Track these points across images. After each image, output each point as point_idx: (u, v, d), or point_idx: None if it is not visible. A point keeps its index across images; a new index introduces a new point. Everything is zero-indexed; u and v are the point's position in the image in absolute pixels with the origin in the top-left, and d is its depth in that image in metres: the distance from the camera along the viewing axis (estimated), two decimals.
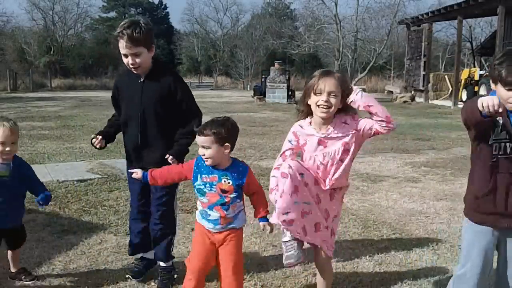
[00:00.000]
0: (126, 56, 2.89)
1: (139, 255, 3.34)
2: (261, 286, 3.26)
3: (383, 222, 4.65)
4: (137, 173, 2.76)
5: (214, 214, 2.67)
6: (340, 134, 2.62)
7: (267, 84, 20.87)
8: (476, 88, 18.42)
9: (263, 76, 22.09)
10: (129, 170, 2.91)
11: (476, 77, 18.77)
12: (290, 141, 2.74)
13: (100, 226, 4.31)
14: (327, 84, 2.54)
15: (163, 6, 59.75)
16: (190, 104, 3.06)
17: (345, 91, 2.58)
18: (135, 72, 2.96)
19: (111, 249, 3.78)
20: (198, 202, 2.75)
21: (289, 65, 36.99)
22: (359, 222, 4.64)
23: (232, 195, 2.65)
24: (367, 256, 3.77)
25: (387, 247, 3.95)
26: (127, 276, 3.28)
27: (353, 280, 3.36)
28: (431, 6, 37.71)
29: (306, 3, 27.85)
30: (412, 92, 22.74)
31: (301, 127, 2.73)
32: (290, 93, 20.66)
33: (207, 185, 2.64)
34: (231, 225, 2.70)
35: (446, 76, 22.90)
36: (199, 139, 2.60)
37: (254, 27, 46.47)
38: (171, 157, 2.91)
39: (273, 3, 55.26)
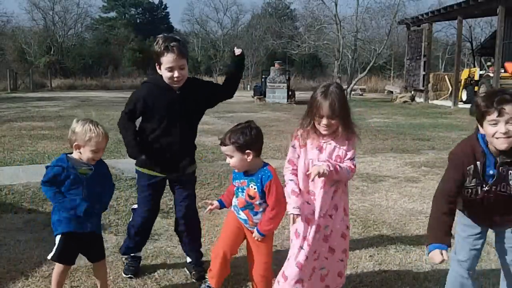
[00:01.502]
0: (171, 69, 2.99)
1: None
2: None
3: (383, 222, 4.65)
4: (213, 204, 2.99)
5: (243, 216, 2.87)
6: (336, 147, 2.78)
7: (267, 84, 20.86)
8: (476, 88, 18.41)
9: (263, 76, 22.09)
10: (207, 208, 3.06)
11: (476, 77, 18.77)
12: (293, 146, 2.89)
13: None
14: (324, 109, 2.71)
15: (163, 6, 59.78)
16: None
17: (342, 111, 2.75)
18: (176, 85, 3.07)
19: (111, 249, 3.79)
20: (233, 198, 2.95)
21: (289, 65, 37.00)
22: (359, 222, 4.64)
23: (258, 202, 2.81)
24: (367, 256, 3.77)
25: (387, 247, 3.95)
26: (128, 276, 3.30)
27: (353, 280, 3.36)
28: (431, 6, 37.80)
29: (306, 3, 27.87)
30: (412, 92, 22.75)
31: (304, 133, 2.86)
32: (290, 93, 20.65)
33: (239, 189, 2.85)
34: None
35: (446, 76, 22.90)
36: (222, 149, 2.78)
37: (254, 27, 46.49)
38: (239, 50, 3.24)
39: (273, 3, 55.26)
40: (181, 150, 3.22)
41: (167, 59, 2.96)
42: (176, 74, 2.99)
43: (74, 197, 2.70)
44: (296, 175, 2.83)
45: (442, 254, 2.43)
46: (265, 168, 2.82)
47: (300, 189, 2.79)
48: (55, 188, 2.68)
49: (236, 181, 2.87)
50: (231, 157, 2.75)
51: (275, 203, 2.77)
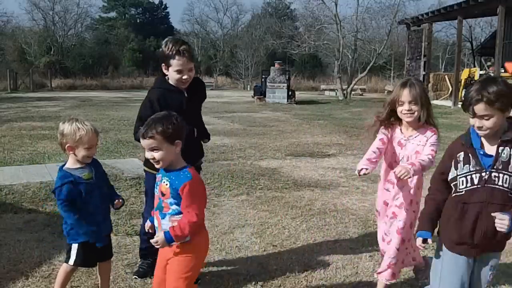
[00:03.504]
0: (180, 72, 3.08)
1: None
2: (261, 286, 3.26)
3: None
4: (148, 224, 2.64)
5: (155, 220, 2.51)
6: (415, 142, 2.96)
7: (267, 84, 20.86)
8: None
9: (263, 76, 22.08)
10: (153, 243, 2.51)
11: (476, 77, 18.74)
12: (380, 138, 3.04)
13: None
14: (405, 95, 2.90)
15: (163, 6, 59.73)
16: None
17: (422, 99, 2.91)
18: (183, 86, 3.17)
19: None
20: None
21: (289, 65, 36.99)
22: (359, 222, 4.64)
23: (168, 201, 2.41)
24: (367, 256, 3.78)
25: None
26: (133, 276, 3.29)
27: (353, 280, 3.36)
28: (431, 6, 37.74)
29: (306, 3, 27.88)
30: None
31: (389, 129, 3.06)
32: (290, 93, 20.65)
33: (156, 185, 2.51)
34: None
35: (446, 76, 22.90)
36: (146, 143, 2.40)
37: (254, 27, 46.47)
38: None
39: (273, 3, 55.25)
40: (193, 149, 3.24)
41: (178, 62, 3.05)
42: (185, 76, 3.10)
43: (91, 208, 2.71)
44: (380, 152, 2.99)
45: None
46: (185, 169, 2.44)
47: (375, 160, 2.96)
48: (75, 214, 2.66)
49: (158, 175, 2.53)
50: (158, 150, 2.37)
51: (190, 207, 2.37)
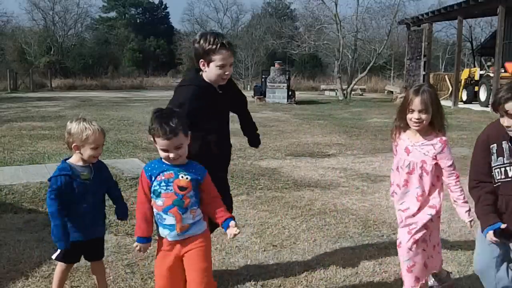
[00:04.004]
0: (223, 66, 2.91)
1: None
2: (261, 286, 3.26)
3: (383, 222, 4.65)
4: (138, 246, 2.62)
5: (169, 219, 2.47)
6: (422, 150, 2.93)
7: (267, 84, 20.85)
8: (476, 88, 18.41)
9: (263, 76, 22.07)
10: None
11: (476, 77, 18.75)
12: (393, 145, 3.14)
13: None
14: (416, 103, 2.85)
15: (163, 6, 59.74)
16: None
17: (434, 107, 2.88)
18: (222, 83, 3.03)
19: (112, 249, 3.79)
20: (155, 212, 2.56)
21: (289, 65, 36.97)
22: (359, 222, 4.64)
23: (189, 194, 2.45)
24: (367, 256, 3.77)
25: (387, 247, 3.95)
26: None
27: (353, 280, 3.36)
28: (431, 6, 37.76)
29: (306, 3, 27.85)
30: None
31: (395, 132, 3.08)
32: (290, 93, 20.64)
33: (163, 183, 2.46)
34: (189, 232, 2.50)
35: (446, 76, 22.89)
36: (174, 142, 2.39)
37: (254, 27, 46.45)
38: None
39: (273, 3, 55.25)
40: (226, 149, 3.22)
41: (221, 56, 2.87)
42: (227, 71, 2.95)
43: (80, 209, 2.70)
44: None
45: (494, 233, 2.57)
46: (192, 161, 2.52)
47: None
48: (58, 205, 2.62)
49: (159, 176, 2.47)
50: (181, 147, 2.41)
51: (217, 192, 2.57)
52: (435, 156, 2.91)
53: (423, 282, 3.02)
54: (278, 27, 33.80)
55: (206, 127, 2.98)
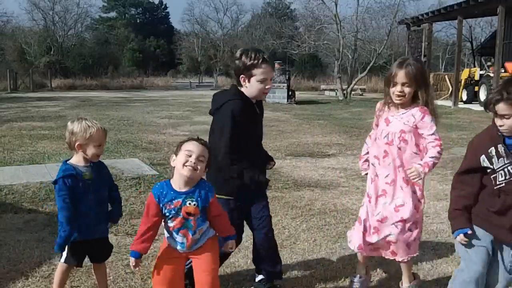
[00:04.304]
0: (264, 81, 2.96)
1: None
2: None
3: None
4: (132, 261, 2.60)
5: (179, 238, 2.57)
6: (402, 120, 2.88)
7: None
8: (476, 88, 18.41)
9: None
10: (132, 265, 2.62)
11: (476, 77, 18.76)
12: (375, 115, 3.09)
13: None
14: (399, 76, 2.82)
15: (163, 6, 59.79)
16: None
17: (419, 80, 2.84)
18: (263, 97, 3.12)
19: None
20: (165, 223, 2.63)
21: (289, 65, 36.97)
22: None
23: (197, 218, 2.55)
24: (367, 256, 3.76)
25: None
26: None
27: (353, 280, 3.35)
28: (431, 6, 37.76)
29: (306, 3, 27.88)
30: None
31: (381, 104, 3.04)
32: (290, 93, 20.64)
33: (172, 212, 2.53)
34: (198, 244, 2.60)
35: (446, 76, 22.89)
36: (201, 149, 2.49)
37: (254, 27, 46.52)
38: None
39: (273, 3, 55.28)
40: (262, 165, 3.20)
41: (263, 71, 2.93)
42: (267, 86, 2.99)
43: (83, 208, 2.70)
44: (370, 139, 3.14)
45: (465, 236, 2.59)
46: (203, 181, 2.60)
47: (366, 152, 3.15)
48: (72, 209, 2.64)
49: (168, 204, 2.52)
50: (202, 161, 2.50)
51: (221, 210, 2.70)
52: (415, 125, 2.85)
53: (365, 253, 3.05)
54: (278, 27, 33.82)
55: (248, 139, 3.02)
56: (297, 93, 22.59)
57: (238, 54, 3.02)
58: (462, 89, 19.47)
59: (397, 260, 3.02)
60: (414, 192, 2.96)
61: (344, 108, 18.25)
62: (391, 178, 2.93)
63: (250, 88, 2.99)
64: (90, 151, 2.73)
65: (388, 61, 33.42)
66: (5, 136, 9.89)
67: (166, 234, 2.64)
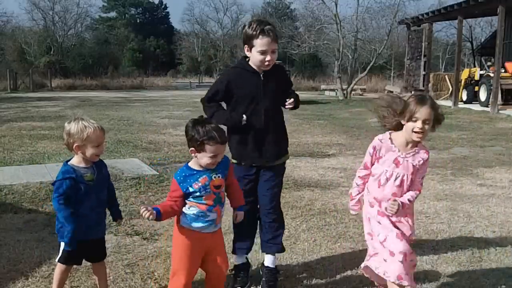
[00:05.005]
0: (264, 52, 2.99)
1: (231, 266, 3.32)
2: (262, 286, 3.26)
3: None
4: (149, 210, 2.50)
5: (212, 216, 2.66)
6: (413, 161, 2.82)
7: None
8: (476, 88, 18.39)
9: None
10: (142, 211, 2.51)
11: (476, 77, 18.74)
12: (370, 153, 2.95)
13: None
14: (424, 113, 2.72)
15: (163, 6, 59.80)
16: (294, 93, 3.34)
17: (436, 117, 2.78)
18: (265, 68, 3.07)
19: (111, 249, 3.78)
20: (189, 207, 2.64)
21: (289, 65, 37.00)
22: (359, 222, 4.62)
23: (223, 189, 2.71)
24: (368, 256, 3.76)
25: None
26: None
27: (353, 280, 3.36)
28: (431, 6, 37.76)
29: (306, 3, 27.84)
30: (412, 92, 22.67)
31: (381, 141, 2.92)
32: None
33: (201, 190, 2.60)
34: (220, 224, 2.77)
35: (446, 76, 22.87)
36: (223, 149, 2.60)
37: None
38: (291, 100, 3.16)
39: (273, 3, 55.30)
40: (268, 137, 3.15)
41: (262, 42, 2.96)
42: (268, 57, 3.00)
43: (84, 210, 2.70)
44: (364, 181, 3.03)
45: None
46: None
47: (358, 193, 3.08)
48: (70, 208, 2.63)
49: (194, 183, 2.59)
50: (222, 152, 2.63)
51: (234, 178, 2.87)
52: (419, 167, 2.83)
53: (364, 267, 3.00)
54: (278, 27, 33.79)
55: (244, 108, 3.10)
56: (297, 93, 22.54)
57: (246, 23, 3.10)
58: (462, 89, 19.45)
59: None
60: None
61: (344, 108, 18.25)
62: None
63: (252, 58, 3.07)
64: (89, 151, 2.70)
65: (388, 61, 33.46)
66: (5, 136, 9.89)
67: (190, 221, 2.64)
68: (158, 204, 2.66)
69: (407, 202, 2.80)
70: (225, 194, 2.77)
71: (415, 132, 2.74)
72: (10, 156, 7.71)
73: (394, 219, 2.86)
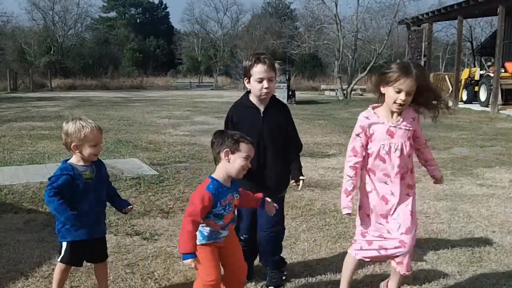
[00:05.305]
0: (261, 80, 3.04)
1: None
2: (261, 286, 3.26)
3: None
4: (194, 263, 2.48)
5: (226, 233, 2.68)
6: (408, 127, 2.75)
7: None
8: (476, 88, 18.41)
9: None
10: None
11: (477, 77, 18.75)
12: (358, 135, 2.79)
13: None
14: (406, 85, 2.62)
15: (163, 6, 59.81)
16: (295, 132, 3.31)
17: (421, 85, 2.66)
18: (264, 97, 3.09)
19: (111, 249, 3.78)
20: (203, 226, 2.60)
21: (289, 65, 36.94)
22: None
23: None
24: None
25: None
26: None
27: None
28: (431, 6, 37.75)
29: (306, 3, 27.86)
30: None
31: (367, 118, 2.78)
32: (290, 93, 20.64)
33: (226, 208, 2.61)
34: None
35: (446, 76, 22.89)
36: (252, 152, 2.62)
37: (254, 27, 46.45)
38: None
39: (273, 3, 55.30)
40: (267, 172, 3.13)
41: (258, 70, 3.04)
42: (265, 85, 3.04)
43: (83, 208, 2.70)
44: (356, 171, 2.84)
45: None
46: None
47: (354, 187, 2.89)
48: (58, 199, 2.60)
49: (223, 201, 2.58)
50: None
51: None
52: (414, 127, 2.78)
53: (368, 258, 2.90)
54: (278, 27, 33.81)
55: None
56: (297, 93, 22.59)
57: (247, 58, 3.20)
58: (462, 89, 19.46)
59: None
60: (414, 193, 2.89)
61: (344, 108, 18.25)
62: (402, 193, 2.80)
63: (252, 88, 3.11)
64: (86, 151, 2.72)
65: (388, 61, 33.43)
66: (5, 136, 9.88)
67: (202, 239, 2.61)
68: (188, 246, 2.48)
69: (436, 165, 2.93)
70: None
71: (397, 103, 2.65)
72: (10, 156, 7.71)
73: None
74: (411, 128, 2.76)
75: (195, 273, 3.41)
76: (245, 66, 3.12)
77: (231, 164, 2.57)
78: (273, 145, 3.15)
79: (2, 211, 4.78)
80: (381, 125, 2.74)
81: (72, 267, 3.00)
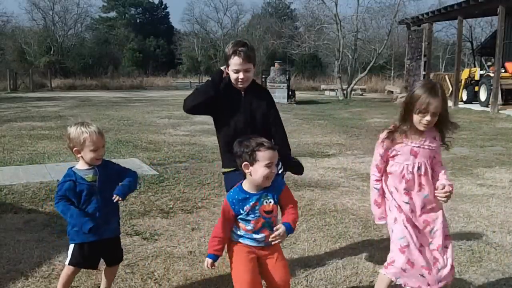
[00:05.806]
0: (237, 71, 3.15)
1: None
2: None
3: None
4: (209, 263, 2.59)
5: (260, 236, 2.61)
6: (428, 147, 2.76)
7: (267, 84, 20.84)
8: (476, 88, 18.41)
9: (263, 76, 22.07)
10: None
11: (477, 77, 18.75)
12: (380, 155, 2.85)
13: None
14: (433, 105, 2.61)
15: (163, 6, 59.78)
16: (279, 119, 3.47)
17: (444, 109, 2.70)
18: (240, 85, 3.20)
19: None
20: (235, 226, 2.63)
21: (289, 65, 36.98)
22: (359, 222, 4.64)
23: (275, 214, 2.62)
24: (367, 256, 3.77)
25: (387, 247, 3.92)
26: None
27: (353, 280, 3.36)
28: (431, 6, 37.76)
29: (306, 3, 27.82)
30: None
31: (391, 140, 2.81)
32: (290, 93, 20.65)
33: (250, 214, 2.57)
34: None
35: (446, 76, 22.88)
36: (274, 156, 2.54)
37: (254, 27, 46.50)
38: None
39: (273, 3, 55.29)
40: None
41: (234, 62, 3.15)
42: (241, 76, 3.16)
43: (90, 209, 2.74)
44: (381, 182, 2.87)
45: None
46: (276, 178, 2.66)
47: (383, 197, 2.87)
48: (64, 202, 2.70)
49: (246, 206, 2.56)
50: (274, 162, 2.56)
51: (294, 201, 2.71)
52: (435, 147, 2.79)
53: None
54: (278, 27, 33.82)
55: (226, 122, 3.22)
56: (297, 93, 22.59)
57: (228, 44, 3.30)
58: (462, 89, 19.46)
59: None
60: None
61: (344, 108, 18.25)
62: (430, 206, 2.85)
63: (230, 76, 3.22)
64: (87, 155, 2.77)
65: (388, 61, 33.46)
66: (5, 136, 9.89)
67: (237, 238, 2.62)
68: (209, 249, 2.61)
69: (449, 182, 2.80)
70: (276, 219, 2.66)
71: (423, 124, 2.66)
72: (10, 156, 7.71)
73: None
74: (432, 148, 2.78)
75: (195, 273, 3.43)
76: (225, 54, 3.21)
77: (253, 175, 2.53)
78: (254, 125, 3.23)
79: (2, 211, 4.78)
80: (404, 145, 2.77)
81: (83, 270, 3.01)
